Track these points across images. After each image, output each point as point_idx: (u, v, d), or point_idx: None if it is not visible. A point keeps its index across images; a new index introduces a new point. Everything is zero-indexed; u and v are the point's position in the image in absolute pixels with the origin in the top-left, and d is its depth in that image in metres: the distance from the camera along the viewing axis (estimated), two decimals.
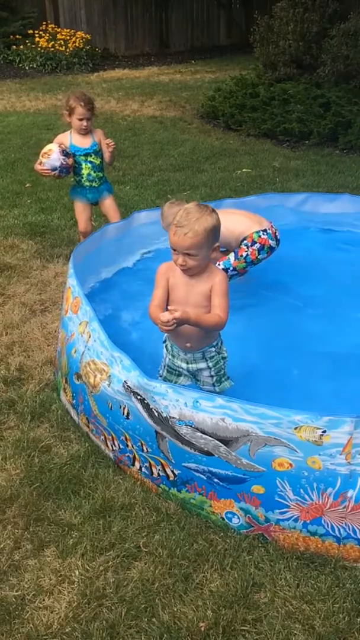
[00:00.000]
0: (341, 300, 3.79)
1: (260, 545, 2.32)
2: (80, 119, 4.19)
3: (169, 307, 2.41)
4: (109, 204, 4.50)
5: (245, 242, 3.67)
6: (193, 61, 14.78)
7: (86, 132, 4.27)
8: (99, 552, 2.29)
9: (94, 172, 4.35)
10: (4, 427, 2.92)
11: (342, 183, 6.24)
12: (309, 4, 8.83)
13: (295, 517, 2.26)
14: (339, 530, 2.24)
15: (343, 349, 3.31)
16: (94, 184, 4.38)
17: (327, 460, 2.15)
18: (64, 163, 4.16)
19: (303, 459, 2.17)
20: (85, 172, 4.32)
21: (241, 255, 3.68)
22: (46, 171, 4.18)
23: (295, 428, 2.14)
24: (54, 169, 4.15)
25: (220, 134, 8.37)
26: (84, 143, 4.29)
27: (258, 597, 2.13)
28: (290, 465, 2.19)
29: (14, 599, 2.12)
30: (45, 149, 4.17)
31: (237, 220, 3.70)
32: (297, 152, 7.49)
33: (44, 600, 2.12)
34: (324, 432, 2.12)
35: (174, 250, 2.44)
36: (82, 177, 4.34)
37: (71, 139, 4.30)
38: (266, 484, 2.25)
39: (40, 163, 4.16)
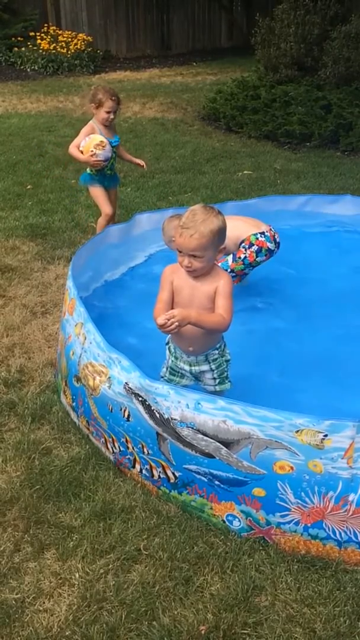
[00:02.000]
0: (344, 303, 3.78)
1: (261, 548, 2.32)
2: (108, 112, 4.38)
3: (161, 315, 2.39)
4: (115, 194, 4.78)
5: (243, 244, 3.67)
6: (194, 63, 14.79)
7: (110, 124, 4.46)
8: (99, 554, 2.28)
9: (115, 162, 4.59)
10: (4, 429, 2.91)
11: (344, 185, 6.24)
12: (310, 6, 8.84)
13: (296, 520, 2.25)
14: (340, 534, 2.23)
15: (346, 352, 3.30)
16: (112, 173, 4.60)
17: (328, 464, 2.14)
18: (111, 154, 4.39)
19: (304, 462, 2.16)
20: (110, 161, 4.50)
21: (239, 257, 3.69)
22: (99, 162, 4.34)
23: (297, 431, 2.14)
24: (106, 159, 4.35)
25: (222, 136, 8.38)
26: (110, 135, 4.47)
27: (259, 600, 2.13)
28: (292, 468, 2.18)
29: (14, 602, 2.12)
30: (96, 141, 4.28)
31: (235, 225, 3.68)
32: (298, 154, 7.49)
33: (44, 603, 2.12)
34: (326, 436, 2.12)
35: (180, 251, 2.44)
36: (107, 166, 4.50)
37: (100, 131, 4.43)
38: (267, 487, 2.24)
39: (94, 155, 4.27)
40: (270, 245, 3.70)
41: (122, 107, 9.78)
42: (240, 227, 3.70)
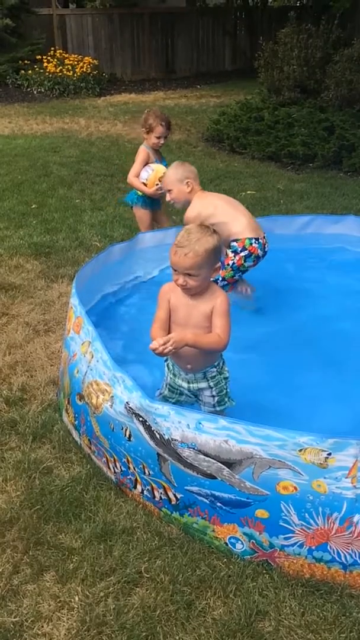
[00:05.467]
0: (347, 318, 3.77)
1: (264, 571, 2.27)
2: (159, 137, 4.39)
3: (156, 339, 2.38)
4: (162, 213, 4.76)
5: (235, 245, 3.66)
6: (198, 86, 14.99)
7: (160, 148, 4.50)
8: (100, 577, 2.24)
9: None
10: (5, 448, 2.88)
11: (346, 205, 6.26)
12: (312, 30, 9.01)
13: (300, 542, 2.21)
14: (345, 556, 2.19)
15: (349, 368, 3.28)
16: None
17: (332, 484, 2.11)
18: None
19: (308, 482, 2.13)
20: None
21: (228, 265, 3.69)
22: (162, 192, 4.28)
23: (300, 450, 2.11)
24: None
25: (225, 157, 8.44)
26: (158, 158, 4.50)
27: (262, 625, 2.08)
28: (295, 488, 2.15)
29: (12, 625, 2.07)
30: (160, 174, 4.24)
31: (237, 218, 3.69)
32: (301, 175, 7.54)
33: (42, 626, 2.07)
34: (329, 454, 2.09)
35: (175, 270, 2.44)
36: None
37: (152, 156, 4.44)
38: (270, 508, 2.20)
39: (160, 188, 4.23)
40: (260, 253, 3.72)
41: (128, 128, 10.00)
42: (241, 223, 3.68)
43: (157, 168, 4.30)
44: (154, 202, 4.57)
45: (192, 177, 3.69)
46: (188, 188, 3.67)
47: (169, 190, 3.73)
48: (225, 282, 3.74)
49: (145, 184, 4.33)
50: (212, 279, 2.57)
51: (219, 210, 3.66)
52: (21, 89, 13.04)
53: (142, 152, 4.41)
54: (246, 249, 3.65)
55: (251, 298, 3.97)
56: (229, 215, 3.67)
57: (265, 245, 3.75)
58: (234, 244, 3.67)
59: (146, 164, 4.37)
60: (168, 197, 3.77)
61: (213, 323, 2.47)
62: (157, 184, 4.26)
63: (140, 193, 4.47)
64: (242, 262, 3.68)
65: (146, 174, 4.32)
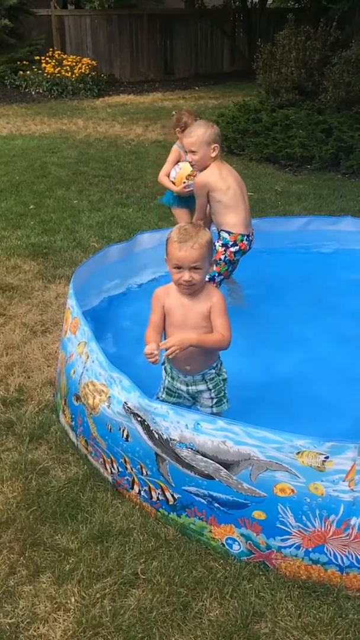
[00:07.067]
0: (346, 322, 3.78)
1: (261, 573, 2.27)
2: None
3: (151, 343, 2.39)
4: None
5: (226, 237, 3.66)
6: (197, 87, 15.02)
7: None
8: (96, 578, 2.24)
9: None
10: (1, 449, 2.88)
11: (344, 207, 6.27)
12: (311, 32, 9.03)
13: (297, 544, 2.21)
14: (341, 558, 2.19)
15: (348, 373, 3.28)
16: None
17: (329, 487, 2.11)
18: None
19: (305, 485, 2.13)
20: None
21: (220, 259, 3.70)
22: (192, 191, 4.26)
23: (297, 453, 2.11)
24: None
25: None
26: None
27: (258, 627, 2.07)
28: (292, 491, 2.15)
29: (7, 627, 2.07)
30: (187, 172, 4.22)
31: (238, 210, 3.65)
32: (299, 177, 7.55)
33: (38, 628, 2.07)
34: (327, 457, 2.08)
35: (179, 268, 2.44)
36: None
37: (183, 155, 4.37)
38: (267, 510, 2.20)
39: (187, 186, 4.22)
40: (247, 249, 3.75)
41: (126, 129, 10.00)
42: (238, 216, 3.65)
43: (185, 166, 4.26)
44: (189, 200, 4.49)
45: (220, 142, 3.58)
46: (214, 154, 3.57)
47: (194, 152, 3.56)
48: (222, 277, 3.77)
49: (173, 183, 4.31)
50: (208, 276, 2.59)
51: (229, 193, 3.61)
52: (19, 90, 13.04)
53: (175, 151, 4.39)
54: (237, 245, 3.67)
55: (242, 299, 4.00)
56: (235, 202, 3.63)
57: (252, 242, 3.79)
58: (226, 235, 3.67)
59: (177, 162, 4.35)
60: (189, 158, 3.63)
61: (213, 323, 2.48)
62: (184, 182, 4.25)
63: (175, 193, 4.45)
64: (233, 256, 3.71)
65: (174, 172, 4.31)
